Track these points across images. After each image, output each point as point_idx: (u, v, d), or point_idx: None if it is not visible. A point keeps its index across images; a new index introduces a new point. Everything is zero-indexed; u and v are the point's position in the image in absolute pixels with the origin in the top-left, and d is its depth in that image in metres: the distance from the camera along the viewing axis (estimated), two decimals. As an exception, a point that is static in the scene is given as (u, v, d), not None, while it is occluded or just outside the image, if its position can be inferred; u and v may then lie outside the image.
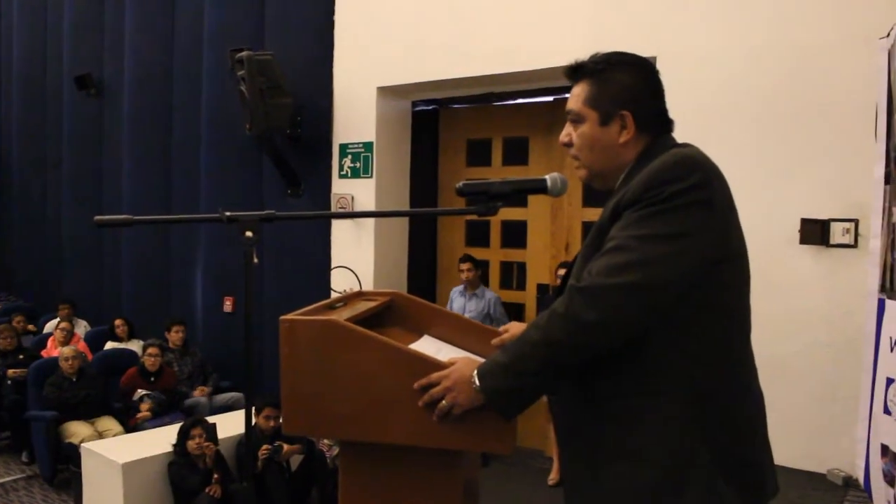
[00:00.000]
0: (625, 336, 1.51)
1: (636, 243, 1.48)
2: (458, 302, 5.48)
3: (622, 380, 1.57)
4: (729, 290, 1.58)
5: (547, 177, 1.75)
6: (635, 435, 1.55)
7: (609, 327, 1.49)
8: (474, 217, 1.75)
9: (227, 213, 1.67)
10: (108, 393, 5.98)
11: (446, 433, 1.66)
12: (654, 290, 1.48)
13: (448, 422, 1.64)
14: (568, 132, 1.71)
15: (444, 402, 1.61)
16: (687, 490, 1.51)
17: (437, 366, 1.67)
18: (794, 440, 3.53)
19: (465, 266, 5.49)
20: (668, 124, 1.70)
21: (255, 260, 1.67)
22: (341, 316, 1.86)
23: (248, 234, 1.67)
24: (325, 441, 4.91)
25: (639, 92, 1.65)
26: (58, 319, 7.47)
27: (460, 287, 5.61)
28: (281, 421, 4.62)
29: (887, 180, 3.11)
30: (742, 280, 1.62)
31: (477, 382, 1.58)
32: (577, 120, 1.69)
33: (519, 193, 1.76)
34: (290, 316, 1.77)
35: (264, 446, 4.48)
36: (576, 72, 1.70)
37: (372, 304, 2.14)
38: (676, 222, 1.48)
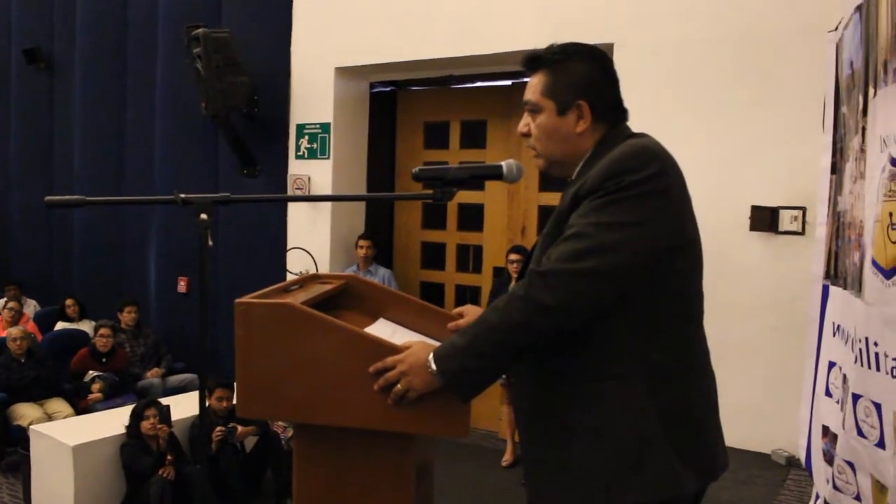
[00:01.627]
0: (582, 320, 1.56)
1: (594, 230, 1.53)
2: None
3: (581, 363, 1.61)
4: (684, 275, 1.64)
5: (503, 163, 1.77)
6: (594, 416, 1.60)
7: (567, 311, 1.53)
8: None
9: (182, 196, 1.66)
10: (59, 374, 5.88)
11: (401, 417, 1.68)
12: (612, 276, 1.53)
13: (403, 405, 1.66)
14: (526, 122, 1.75)
15: (399, 385, 1.63)
16: (644, 468, 1.57)
17: (392, 349, 1.69)
18: (740, 421, 3.62)
19: (365, 243, 5.81)
20: (623, 113, 1.74)
21: (210, 242, 1.66)
22: (297, 299, 1.87)
23: (203, 216, 1.66)
24: (280, 423, 4.90)
25: (595, 82, 1.69)
26: (4, 300, 7.30)
27: (353, 266, 5.83)
28: (234, 403, 4.61)
29: (833, 170, 3.18)
30: (696, 266, 1.68)
31: (433, 366, 1.60)
32: (535, 110, 1.72)
33: (475, 179, 1.78)
34: (245, 299, 1.77)
35: (218, 428, 4.46)
36: (532, 62, 1.74)
37: (328, 288, 2.15)
38: (634, 210, 1.53)
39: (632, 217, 1.53)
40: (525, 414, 1.78)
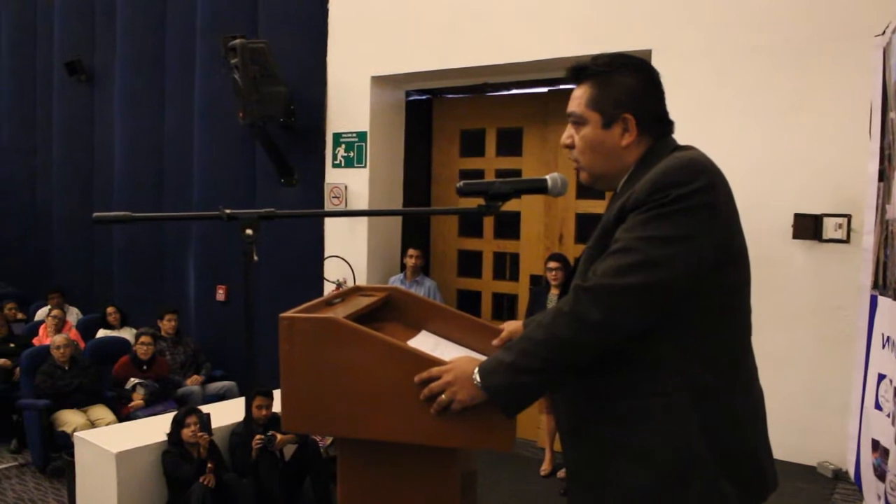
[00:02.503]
0: (628, 336, 1.53)
1: (641, 245, 1.50)
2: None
3: (627, 379, 1.59)
4: (732, 290, 1.61)
5: (548, 177, 1.76)
6: (639, 434, 1.57)
7: (613, 327, 1.51)
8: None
9: (228, 211, 1.66)
10: (101, 381, 5.97)
11: (445, 431, 1.67)
12: (658, 292, 1.50)
13: (447, 418, 1.65)
14: (570, 134, 1.72)
15: (443, 396, 1.62)
16: (690, 487, 1.54)
17: (436, 364, 1.68)
18: (784, 433, 3.55)
19: (415, 253, 5.77)
20: (668, 126, 1.71)
21: (255, 258, 1.67)
22: (339, 313, 1.87)
23: (248, 231, 1.66)
24: (318, 431, 4.92)
25: (641, 94, 1.66)
26: (48, 307, 7.44)
27: (400, 275, 5.82)
28: (278, 412, 4.63)
29: (880, 177, 3.13)
30: (744, 281, 1.64)
31: (478, 379, 1.59)
32: (579, 122, 1.70)
33: (519, 193, 1.77)
34: (289, 313, 1.77)
35: (257, 436, 4.48)
36: (578, 73, 1.71)
37: (370, 300, 2.15)
38: (681, 225, 1.50)
39: (679, 231, 1.50)
40: (567, 430, 1.76)
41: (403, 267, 5.88)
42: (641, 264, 1.49)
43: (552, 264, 4.96)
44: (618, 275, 1.50)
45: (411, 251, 5.78)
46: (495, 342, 1.96)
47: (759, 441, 1.68)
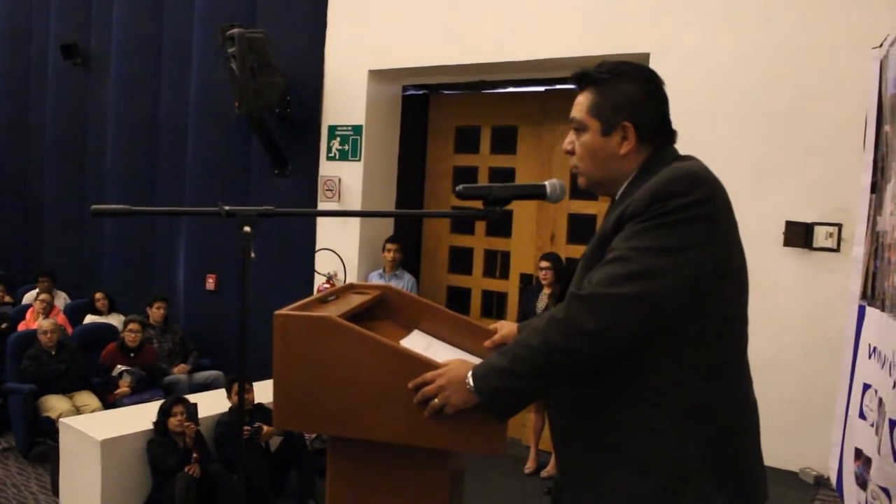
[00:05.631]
0: (623, 345, 1.54)
1: (638, 255, 1.51)
2: (377, 283, 5.59)
3: (621, 388, 1.60)
4: (728, 302, 1.61)
5: (546, 183, 1.76)
6: (632, 443, 1.58)
7: (607, 336, 1.51)
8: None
9: (227, 208, 1.66)
10: (87, 367, 5.95)
11: (436, 432, 1.68)
12: (654, 302, 1.50)
13: (439, 420, 1.65)
14: (571, 140, 1.73)
15: (436, 399, 1.63)
16: (681, 498, 1.55)
17: (430, 365, 1.69)
18: (768, 438, 3.58)
19: (393, 247, 5.75)
20: (670, 136, 1.71)
21: (252, 255, 1.66)
22: (333, 311, 1.87)
23: (246, 229, 1.66)
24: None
25: (642, 103, 1.67)
26: (36, 290, 7.40)
27: (379, 270, 5.82)
28: (264, 403, 4.62)
29: (873, 189, 3.15)
30: (741, 292, 1.65)
31: (471, 383, 1.60)
32: (580, 129, 1.71)
33: (518, 199, 1.77)
34: (283, 311, 1.77)
35: (244, 427, 4.47)
36: (581, 80, 1.72)
37: (364, 298, 2.15)
38: (679, 236, 1.51)
39: (676, 242, 1.51)
40: (561, 435, 1.77)
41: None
42: (637, 274, 1.49)
43: (543, 263, 4.97)
44: (613, 284, 1.50)
45: (389, 245, 5.76)
46: (487, 343, 1.97)
47: (753, 452, 1.69)
